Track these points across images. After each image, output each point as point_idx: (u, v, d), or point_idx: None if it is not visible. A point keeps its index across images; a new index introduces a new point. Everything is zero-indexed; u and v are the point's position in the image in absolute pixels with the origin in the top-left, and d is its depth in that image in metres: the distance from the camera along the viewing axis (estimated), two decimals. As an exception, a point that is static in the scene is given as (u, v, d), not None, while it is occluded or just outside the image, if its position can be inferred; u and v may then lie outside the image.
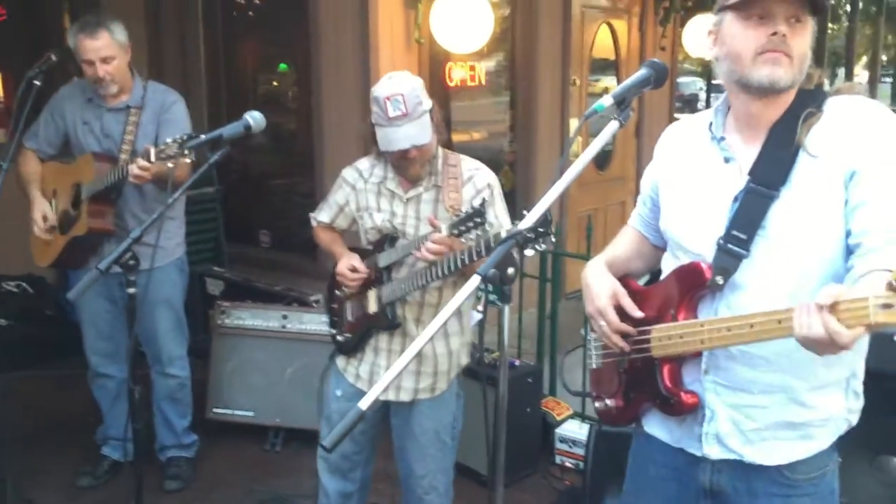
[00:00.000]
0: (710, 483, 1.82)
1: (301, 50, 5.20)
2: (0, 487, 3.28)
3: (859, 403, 1.80)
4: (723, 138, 1.77)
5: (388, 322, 2.65)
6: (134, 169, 3.08)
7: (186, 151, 2.53)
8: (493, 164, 5.82)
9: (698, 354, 1.75)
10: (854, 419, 1.79)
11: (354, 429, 2.63)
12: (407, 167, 2.60)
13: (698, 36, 6.68)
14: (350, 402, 2.77)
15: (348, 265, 2.70)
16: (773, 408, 1.71)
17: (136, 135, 3.45)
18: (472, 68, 5.37)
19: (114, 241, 3.46)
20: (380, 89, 2.50)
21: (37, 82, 3.08)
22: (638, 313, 1.84)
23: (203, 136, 2.38)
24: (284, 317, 4.13)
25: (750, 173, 1.70)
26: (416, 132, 2.47)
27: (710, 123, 1.80)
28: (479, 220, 2.30)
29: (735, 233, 1.68)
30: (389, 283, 2.65)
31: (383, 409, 2.78)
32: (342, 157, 4.97)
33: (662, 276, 1.88)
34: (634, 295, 1.88)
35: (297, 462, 3.92)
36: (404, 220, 2.66)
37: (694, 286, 1.74)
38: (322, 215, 2.87)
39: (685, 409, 1.77)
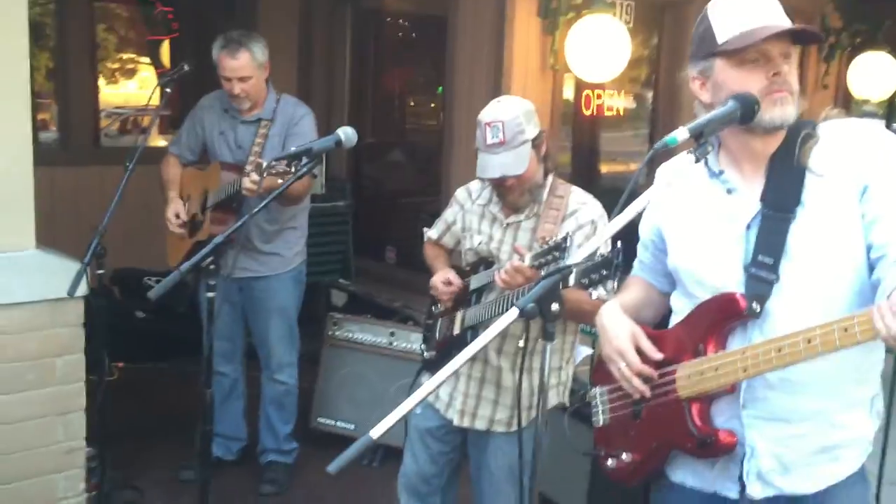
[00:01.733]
0: None
1: (440, 73, 5.26)
2: (110, 471, 3.44)
3: (878, 424, 1.75)
4: (722, 172, 1.74)
5: (466, 346, 2.58)
6: (245, 182, 3.20)
7: (293, 168, 2.58)
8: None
9: (731, 390, 1.67)
10: (870, 444, 1.74)
11: (433, 450, 2.67)
12: (505, 194, 2.56)
13: (866, 76, 6.25)
14: (428, 421, 2.76)
15: (443, 278, 2.69)
16: (811, 435, 1.67)
17: (263, 146, 3.57)
18: (611, 97, 5.24)
19: (236, 247, 3.54)
20: (484, 113, 2.49)
21: (167, 90, 3.25)
22: (658, 354, 1.76)
23: (292, 150, 2.42)
24: (392, 334, 4.16)
25: (762, 200, 1.67)
26: (510, 161, 2.43)
27: (706, 160, 1.73)
28: (558, 253, 2.21)
29: (761, 258, 1.64)
30: (476, 306, 2.61)
31: (461, 435, 2.72)
32: (469, 179, 5.02)
33: (675, 317, 1.82)
34: (651, 338, 1.80)
35: (394, 480, 3.90)
36: (500, 245, 2.62)
37: (727, 318, 1.67)
38: (432, 231, 2.91)
39: (723, 450, 1.68)
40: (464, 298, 2.67)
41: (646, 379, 1.78)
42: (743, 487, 1.71)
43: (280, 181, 2.90)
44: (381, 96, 6.09)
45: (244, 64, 3.49)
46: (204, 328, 2.66)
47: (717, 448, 1.68)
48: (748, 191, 1.72)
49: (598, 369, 1.94)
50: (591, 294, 2.10)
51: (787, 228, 1.64)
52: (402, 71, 6.10)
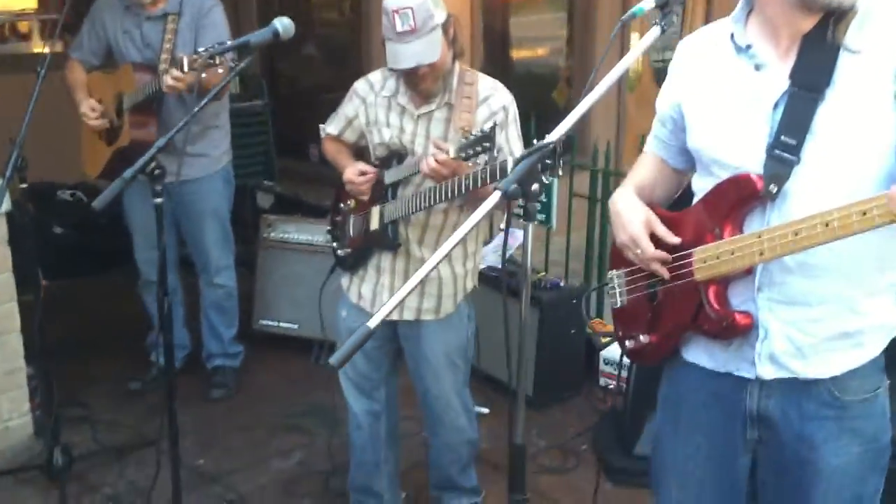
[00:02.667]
0: (757, 408, 1.74)
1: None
2: (53, 390, 3.37)
3: None
4: (749, 46, 1.66)
5: (388, 241, 2.58)
6: (167, 80, 3.06)
7: (218, 61, 2.47)
8: (548, 80, 5.74)
9: (748, 272, 1.65)
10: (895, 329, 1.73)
11: (366, 347, 2.68)
12: (417, 83, 2.48)
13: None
14: (356, 322, 2.72)
15: (356, 170, 2.60)
16: (829, 319, 1.64)
17: (174, 43, 3.40)
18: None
19: (168, 154, 3.45)
20: (390, 0, 2.37)
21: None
22: (674, 239, 1.74)
23: (229, 43, 2.30)
24: (328, 231, 4.11)
25: (790, 78, 1.60)
26: (423, 49, 2.36)
27: (732, 34, 1.68)
28: (487, 144, 2.19)
29: (784, 138, 1.58)
30: (393, 201, 2.56)
31: (391, 327, 2.73)
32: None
33: (697, 198, 1.77)
34: (665, 221, 1.78)
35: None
36: (413, 138, 2.56)
37: (742, 199, 1.64)
38: (330, 127, 2.78)
39: (739, 331, 1.68)
40: (379, 193, 2.61)
41: (662, 262, 1.76)
42: (756, 369, 1.70)
43: (204, 75, 2.79)
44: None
45: None
46: (136, 235, 2.54)
47: (733, 329, 1.68)
48: (778, 68, 1.63)
49: (615, 253, 1.92)
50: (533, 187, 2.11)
51: (814, 109, 1.57)
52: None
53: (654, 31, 1.60)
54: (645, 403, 3.30)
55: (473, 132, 2.28)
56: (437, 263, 1.53)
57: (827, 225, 1.45)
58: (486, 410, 3.64)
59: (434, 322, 2.67)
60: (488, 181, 2.22)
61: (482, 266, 3.81)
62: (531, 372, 3.70)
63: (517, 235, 3.97)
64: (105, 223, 4.73)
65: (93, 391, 3.78)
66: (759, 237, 1.58)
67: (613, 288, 1.95)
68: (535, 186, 1.48)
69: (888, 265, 1.62)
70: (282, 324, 4.19)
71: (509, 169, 2.13)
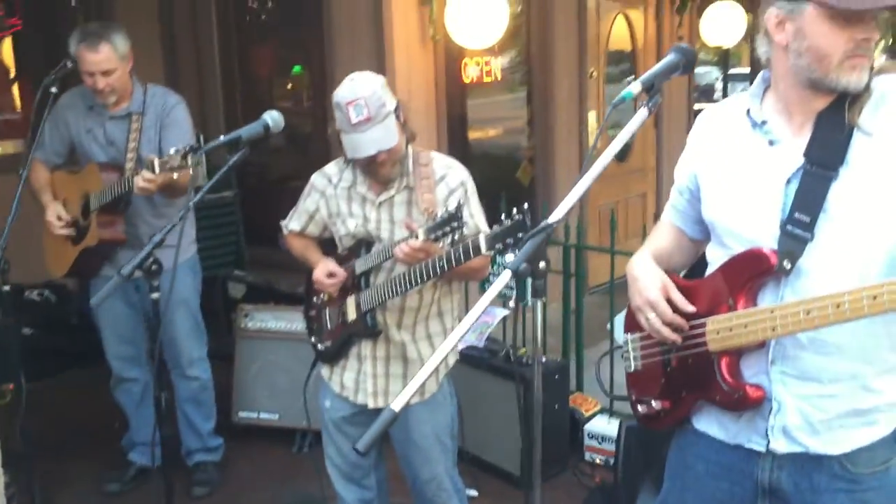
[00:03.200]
0: (769, 481, 1.75)
1: (316, 52, 5.19)
2: (29, 496, 3.27)
3: None
4: (765, 122, 1.72)
5: (367, 329, 2.59)
6: (139, 181, 3.06)
7: (189, 162, 2.50)
8: (511, 160, 5.87)
9: (761, 345, 1.69)
10: None
11: (353, 435, 2.66)
12: (377, 171, 2.52)
13: (716, 25, 6.61)
14: (340, 412, 2.75)
15: (325, 271, 2.62)
16: (842, 397, 1.67)
17: (139, 141, 3.43)
18: (488, 64, 5.33)
19: (127, 249, 3.46)
20: (340, 94, 2.42)
21: (53, 90, 3.07)
22: (690, 307, 1.77)
23: (222, 138, 2.36)
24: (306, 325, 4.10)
25: (805, 155, 1.65)
26: (381, 136, 2.41)
27: (748, 110, 1.75)
28: (455, 224, 2.23)
29: (797, 215, 1.62)
30: (367, 290, 2.58)
31: (376, 414, 2.70)
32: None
33: (710, 269, 1.82)
34: (681, 290, 1.81)
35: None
36: (378, 225, 2.59)
37: (757, 273, 1.68)
38: (293, 223, 2.80)
39: (750, 404, 1.70)
40: (351, 284, 2.63)
41: (676, 329, 1.79)
42: (768, 442, 1.72)
43: (175, 175, 2.82)
44: (255, 81, 5.94)
45: (106, 56, 3.29)
46: (153, 331, 2.51)
47: (744, 402, 1.70)
48: (792, 144, 1.67)
49: (630, 316, 1.95)
50: (504, 261, 2.15)
51: (828, 186, 1.60)
52: (276, 52, 5.95)
53: (643, 113, 1.67)
54: (636, 475, 3.31)
55: (439, 213, 2.32)
56: (452, 348, 1.54)
57: (838, 307, 1.49)
58: (474, 493, 3.60)
59: (420, 405, 2.66)
60: (463, 260, 2.26)
61: (461, 346, 3.87)
62: (516, 450, 3.69)
63: (494, 313, 4.03)
64: (74, 322, 4.66)
65: (69, 494, 3.68)
66: (772, 312, 1.61)
67: (628, 352, 1.97)
68: (542, 264, 1.53)
69: None
70: (262, 415, 4.13)
71: (482, 247, 2.18)
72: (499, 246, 2.14)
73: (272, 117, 2.29)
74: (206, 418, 3.85)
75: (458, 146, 5.78)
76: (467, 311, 3.86)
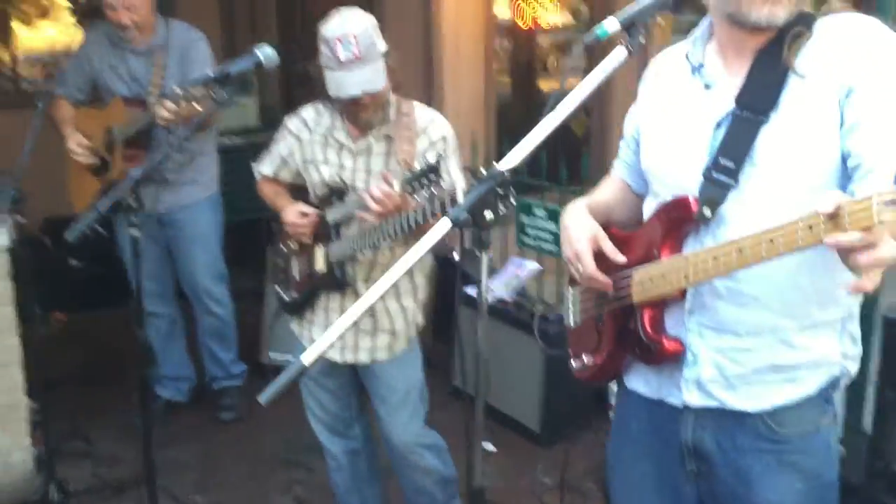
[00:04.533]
0: (692, 440, 1.67)
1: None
2: (58, 423, 3.36)
3: (857, 349, 1.65)
4: (701, 65, 1.62)
5: (337, 282, 2.49)
6: (161, 112, 3.06)
7: (211, 92, 2.45)
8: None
9: (682, 295, 1.60)
10: (852, 367, 1.65)
11: (331, 386, 2.62)
12: (358, 113, 2.40)
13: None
14: (314, 369, 2.67)
15: (296, 212, 2.53)
16: (759, 350, 1.57)
17: (163, 76, 3.44)
18: (545, 9, 5.12)
19: (151, 184, 3.43)
20: (329, 29, 2.31)
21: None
22: (620, 257, 1.68)
23: (209, 72, 2.28)
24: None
25: (736, 99, 1.54)
26: (369, 77, 2.29)
27: (688, 53, 1.64)
28: (433, 177, 2.12)
29: (722, 161, 1.53)
30: (338, 241, 2.47)
31: (351, 368, 2.66)
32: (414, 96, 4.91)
33: (645, 219, 1.73)
34: (616, 240, 1.72)
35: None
36: (353, 174, 2.47)
37: (679, 222, 1.60)
38: (264, 167, 2.68)
39: (667, 356, 1.63)
40: (322, 233, 2.53)
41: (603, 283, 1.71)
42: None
43: (198, 107, 2.79)
44: (310, 17, 5.86)
45: None
46: (129, 268, 2.54)
47: (660, 355, 1.63)
48: (726, 87, 1.58)
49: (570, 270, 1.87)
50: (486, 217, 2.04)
51: (756, 132, 1.51)
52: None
53: (620, 53, 1.53)
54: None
55: (417, 164, 2.21)
56: (382, 294, 1.46)
57: (740, 251, 1.39)
58: (493, 448, 3.55)
59: (389, 362, 2.60)
60: (438, 214, 2.14)
61: (491, 298, 3.77)
62: (537, 407, 3.60)
63: (524, 266, 3.91)
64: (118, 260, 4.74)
65: (96, 424, 3.76)
66: (686, 260, 1.54)
67: (569, 307, 1.90)
68: (488, 214, 1.41)
69: (828, 300, 1.55)
70: (291, 357, 4.13)
71: (460, 199, 2.07)
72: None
73: (264, 53, 2.18)
74: (228, 349, 3.94)
75: (524, 92, 5.64)
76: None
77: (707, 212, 1.54)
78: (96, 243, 5.06)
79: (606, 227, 1.75)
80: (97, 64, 3.55)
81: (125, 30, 3.38)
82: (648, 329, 1.64)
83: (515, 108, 5.72)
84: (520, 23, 5.07)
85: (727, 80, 1.58)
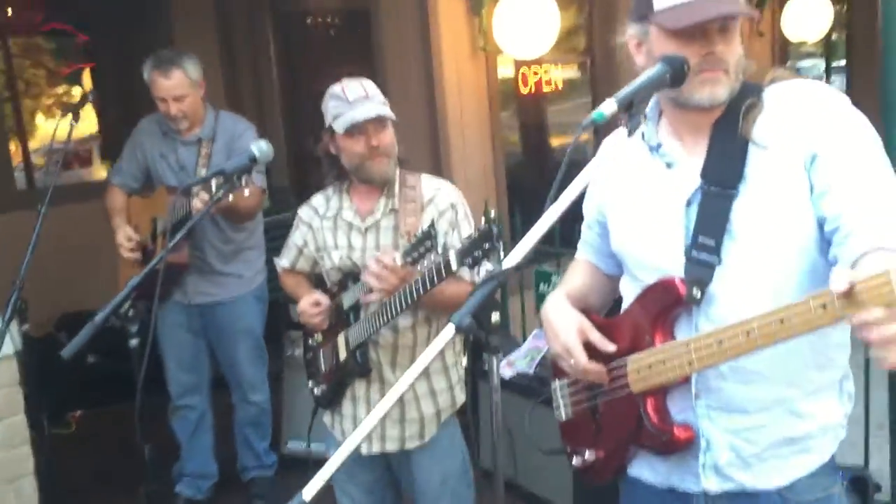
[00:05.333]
0: None
1: (367, 67, 5.09)
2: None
3: (850, 408, 1.64)
4: (659, 145, 1.61)
5: (358, 367, 2.41)
6: (196, 203, 3.06)
7: (245, 182, 2.43)
8: (578, 171, 5.64)
9: (686, 380, 1.55)
10: (844, 430, 1.62)
11: (366, 481, 2.51)
12: (372, 163, 2.35)
13: (800, 18, 6.20)
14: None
15: (310, 301, 2.47)
16: (771, 425, 1.55)
17: (208, 167, 3.45)
18: (547, 72, 5.11)
19: (194, 273, 3.52)
20: (337, 84, 2.38)
21: (74, 122, 3.07)
22: (610, 347, 1.64)
23: (204, 173, 2.26)
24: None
25: (702, 175, 1.54)
26: (381, 108, 2.32)
27: (643, 134, 1.63)
28: (429, 243, 2.07)
29: (702, 239, 1.52)
30: (356, 325, 2.41)
31: (384, 458, 2.55)
32: (419, 167, 4.87)
33: (625, 304, 1.69)
34: (601, 328, 1.67)
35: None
36: (363, 253, 2.41)
37: (668, 305, 1.56)
38: (283, 260, 2.66)
39: (680, 446, 1.57)
40: (340, 320, 2.48)
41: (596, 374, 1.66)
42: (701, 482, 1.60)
43: (231, 197, 2.74)
44: (316, 99, 5.89)
45: (178, 83, 3.36)
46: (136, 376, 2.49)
47: (673, 445, 1.57)
48: (688, 165, 1.58)
49: (555, 363, 1.82)
50: (476, 273, 2.02)
51: (729, 206, 1.51)
52: (332, 70, 5.88)
53: (621, 133, 1.46)
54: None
55: (417, 235, 2.17)
56: (400, 395, 1.38)
57: (748, 334, 1.35)
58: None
59: (421, 450, 2.48)
60: (436, 280, 2.09)
61: (510, 373, 3.66)
62: (569, 484, 3.46)
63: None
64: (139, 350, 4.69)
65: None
66: (688, 346, 1.49)
67: (557, 400, 1.83)
68: (494, 317, 1.33)
69: (826, 362, 1.54)
70: (312, 445, 4.02)
71: (452, 263, 2.01)
72: (469, 261, 1.98)
73: (259, 148, 2.19)
74: (263, 438, 3.88)
75: (534, 154, 5.59)
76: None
77: (697, 293, 1.52)
78: (112, 337, 5.09)
79: (586, 314, 1.71)
80: (149, 153, 3.59)
81: (175, 120, 3.42)
82: (655, 419, 1.58)
83: (527, 169, 5.67)
84: (524, 90, 5.04)
85: (687, 158, 1.58)
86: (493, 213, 1.92)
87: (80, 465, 4.17)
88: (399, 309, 2.21)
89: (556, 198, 1.41)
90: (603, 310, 1.83)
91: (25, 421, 3.14)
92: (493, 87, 4.63)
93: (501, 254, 1.75)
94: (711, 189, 1.53)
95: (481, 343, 1.34)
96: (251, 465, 3.87)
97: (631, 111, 1.46)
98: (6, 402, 3.03)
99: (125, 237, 3.52)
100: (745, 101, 1.53)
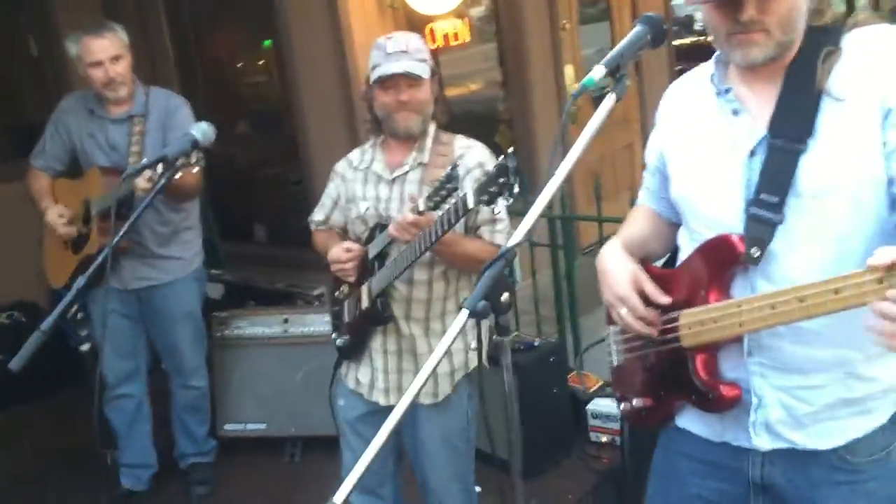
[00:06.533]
0: (761, 477, 1.60)
1: (271, 29, 4.90)
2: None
3: None
4: (728, 89, 1.55)
5: (378, 315, 2.43)
6: (140, 182, 2.89)
7: (194, 159, 2.29)
8: (489, 123, 5.60)
9: (737, 338, 1.53)
10: None
11: (370, 436, 2.44)
12: (398, 119, 2.40)
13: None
14: (354, 410, 2.60)
15: (340, 248, 2.48)
16: (829, 386, 1.51)
17: (142, 145, 3.29)
18: (455, 27, 5.02)
19: (131, 256, 3.35)
20: (381, 37, 2.41)
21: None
22: (664, 298, 1.61)
23: (145, 161, 2.13)
24: (286, 321, 3.90)
25: (769, 128, 1.48)
26: (413, 65, 2.33)
27: (712, 75, 1.57)
28: (451, 186, 2.05)
29: (764, 196, 1.46)
30: (379, 272, 2.42)
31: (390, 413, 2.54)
32: (326, 136, 4.74)
33: (682, 255, 1.66)
34: (657, 279, 1.65)
35: (319, 470, 3.69)
36: (388, 204, 2.45)
37: (726, 262, 1.52)
38: (317, 214, 2.70)
39: (726, 405, 1.56)
40: (365, 271, 2.48)
41: (650, 323, 1.64)
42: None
43: (178, 175, 2.60)
44: (213, 69, 5.64)
45: (112, 42, 3.22)
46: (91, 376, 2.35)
47: (719, 403, 1.55)
48: (757, 112, 1.51)
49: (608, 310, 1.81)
50: (493, 210, 1.99)
51: (795, 162, 1.43)
52: (229, 36, 5.64)
53: (610, 99, 1.44)
54: (644, 456, 3.12)
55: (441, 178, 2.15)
56: (437, 363, 1.38)
57: (802, 301, 1.33)
58: (478, 488, 3.42)
59: (431, 407, 2.50)
60: (453, 220, 2.09)
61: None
62: (519, 442, 3.49)
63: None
64: (50, 343, 4.43)
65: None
66: (739, 307, 1.46)
67: (610, 345, 1.82)
68: (504, 296, 1.29)
69: None
70: (248, 426, 3.93)
71: (469, 200, 1.99)
72: (485, 197, 1.95)
73: (201, 130, 2.08)
74: (202, 423, 3.77)
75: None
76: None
77: (756, 252, 1.46)
78: (17, 333, 4.79)
79: (644, 262, 1.69)
80: (75, 133, 3.38)
81: (113, 86, 3.25)
82: (703, 375, 1.56)
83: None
84: (432, 46, 4.94)
85: (756, 106, 1.51)
86: (510, 150, 1.87)
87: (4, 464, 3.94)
88: (418, 252, 2.21)
89: (553, 171, 1.38)
90: (663, 256, 1.79)
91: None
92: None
93: (517, 188, 1.75)
94: (778, 142, 1.45)
95: (492, 324, 1.29)
96: (190, 452, 3.75)
97: (617, 74, 1.44)
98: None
99: (57, 214, 3.33)
100: (822, 48, 1.45)
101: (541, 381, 3.53)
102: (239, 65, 5.72)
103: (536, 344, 3.60)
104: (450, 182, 2.07)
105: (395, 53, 2.33)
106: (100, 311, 3.37)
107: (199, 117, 5.54)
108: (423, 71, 2.36)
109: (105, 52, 3.20)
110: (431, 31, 4.90)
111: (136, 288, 3.44)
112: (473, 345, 2.45)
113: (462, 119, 5.55)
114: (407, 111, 2.39)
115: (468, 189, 2.00)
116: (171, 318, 3.53)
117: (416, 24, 4.78)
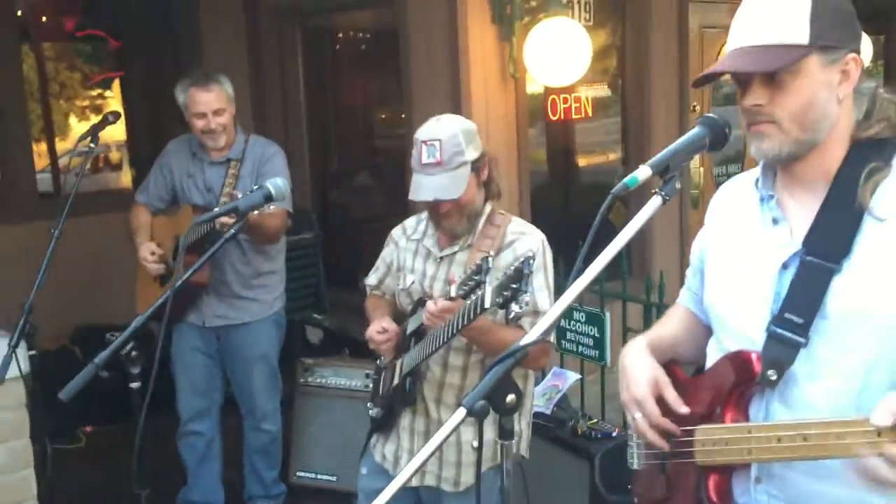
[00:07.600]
0: None
1: (395, 88, 5.02)
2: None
3: None
4: (772, 196, 1.47)
5: (404, 395, 2.39)
6: (222, 217, 2.96)
7: (269, 205, 2.36)
8: (602, 199, 5.50)
9: (747, 463, 1.44)
10: None
11: None
12: (440, 220, 2.35)
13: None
14: (376, 483, 2.52)
15: (377, 327, 2.44)
16: None
17: (234, 187, 3.42)
18: (577, 100, 4.99)
19: (211, 294, 3.47)
20: (422, 131, 2.31)
21: (92, 145, 3.03)
22: (683, 409, 1.51)
23: (216, 210, 2.20)
24: (367, 375, 3.89)
25: (805, 243, 1.39)
26: (446, 184, 2.24)
27: (757, 180, 1.51)
28: (479, 279, 2.00)
29: (789, 315, 1.36)
30: (412, 351, 2.38)
31: (415, 493, 2.48)
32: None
33: (707, 365, 1.57)
34: (680, 386, 1.55)
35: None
36: (433, 282, 2.40)
37: (742, 380, 1.43)
38: (371, 278, 2.67)
39: None
40: (404, 345, 2.45)
41: (666, 433, 1.54)
42: None
43: (256, 213, 2.68)
44: (342, 119, 5.83)
45: (217, 96, 3.39)
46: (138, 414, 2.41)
47: None
48: (795, 223, 1.44)
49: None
50: (509, 313, 1.93)
51: (827, 282, 1.35)
52: (361, 90, 5.82)
53: (655, 202, 1.37)
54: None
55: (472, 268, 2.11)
56: (428, 458, 1.35)
57: (805, 440, 1.24)
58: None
59: (452, 494, 2.41)
60: (472, 316, 2.03)
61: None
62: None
63: (565, 377, 3.68)
64: (147, 368, 4.62)
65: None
66: (749, 433, 1.37)
67: (632, 447, 1.72)
68: (510, 398, 1.23)
69: None
70: (320, 476, 3.94)
71: (486, 300, 1.94)
72: (500, 300, 1.93)
73: (275, 185, 2.13)
74: (272, 467, 3.80)
75: (560, 174, 5.48)
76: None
77: (772, 375, 1.38)
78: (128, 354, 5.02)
79: (670, 365, 1.60)
80: (176, 173, 3.58)
81: (213, 135, 3.42)
82: (714, 497, 1.48)
83: (552, 191, 5.54)
84: (553, 117, 4.93)
85: (797, 214, 1.44)
86: (531, 253, 1.83)
87: (85, 483, 4.09)
88: (442, 339, 2.18)
89: (582, 270, 1.32)
90: (696, 361, 1.70)
91: (30, 445, 3.07)
92: (522, 113, 4.54)
93: (528, 297, 1.69)
94: (811, 259, 1.38)
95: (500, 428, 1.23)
96: (258, 495, 3.79)
97: (666, 176, 1.37)
98: (11, 425, 2.97)
99: (148, 251, 3.49)
100: (869, 163, 1.37)
101: (616, 475, 3.36)
102: (368, 118, 5.89)
103: (614, 434, 3.44)
104: (478, 274, 2.04)
105: (428, 165, 2.25)
106: (179, 347, 3.49)
107: (323, 162, 5.73)
108: (458, 186, 2.26)
109: (209, 105, 3.37)
110: (553, 102, 4.89)
111: (215, 326, 3.53)
112: (476, 443, 2.36)
113: (579, 193, 5.50)
114: (448, 219, 2.34)
115: (488, 287, 1.95)
116: (245, 360, 3.60)
117: (537, 95, 4.79)
